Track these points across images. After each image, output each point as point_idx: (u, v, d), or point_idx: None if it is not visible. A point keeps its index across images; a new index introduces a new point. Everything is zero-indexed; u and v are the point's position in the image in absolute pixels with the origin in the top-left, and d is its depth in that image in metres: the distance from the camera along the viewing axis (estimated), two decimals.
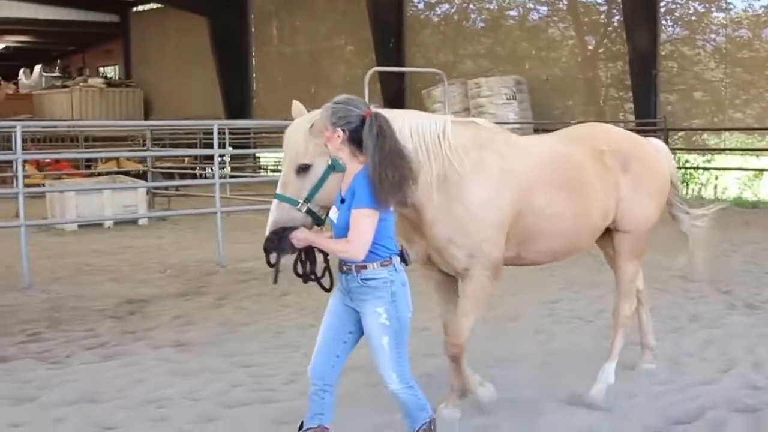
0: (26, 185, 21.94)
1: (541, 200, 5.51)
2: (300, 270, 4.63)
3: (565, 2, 27.90)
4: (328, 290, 4.67)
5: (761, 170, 22.02)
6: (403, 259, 4.58)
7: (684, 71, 23.31)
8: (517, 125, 22.31)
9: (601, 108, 26.63)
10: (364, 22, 30.76)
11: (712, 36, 23.81)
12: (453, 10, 30.53)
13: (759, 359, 6.86)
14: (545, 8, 28.47)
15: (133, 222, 16.46)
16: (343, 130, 4.37)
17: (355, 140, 4.38)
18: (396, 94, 28.39)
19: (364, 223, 4.32)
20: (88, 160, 26.45)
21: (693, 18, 23.84)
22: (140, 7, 40.97)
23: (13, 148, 12.38)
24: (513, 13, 29.68)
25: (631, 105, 24.14)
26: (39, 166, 24.32)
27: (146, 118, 37.97)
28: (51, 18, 39.65)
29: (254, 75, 35.12)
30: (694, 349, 7.19)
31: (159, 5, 38.30)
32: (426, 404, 4.61)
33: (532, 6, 28.73)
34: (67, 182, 19.07)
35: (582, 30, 27.37)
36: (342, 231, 4.43)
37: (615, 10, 25.91)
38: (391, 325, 4.47)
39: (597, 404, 5.84)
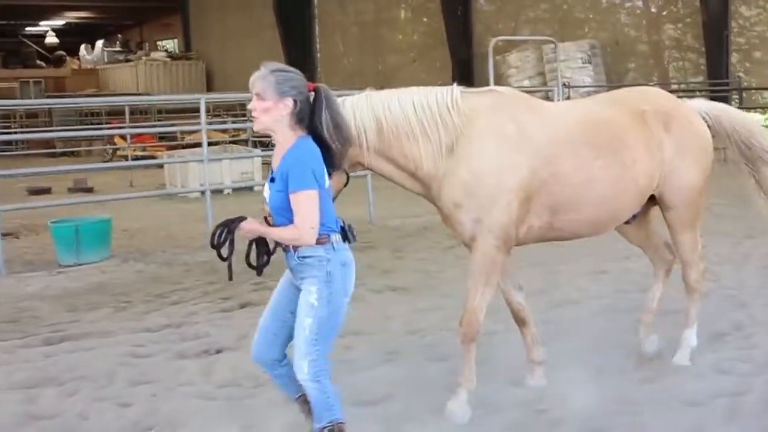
0: (135, 157, 23.11)
1: (568, 165, 5.19)
2: (253, 261, 4.29)
3: None
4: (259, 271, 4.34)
5: None
6: (346, 237, 4.28)
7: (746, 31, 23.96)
8: (592, 88, 23.04)
9: (666, 70, 27.35)
10: None
11: None
12: None
13: None
14: None
15: (249, 188, 17.28)
16: (294, 101, 4.08)
17: (301, 113, 4.11)
18: (466, 60, 29.10)
19: (307, 204, 4.04)
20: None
21: None
22: None
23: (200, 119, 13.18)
24: None
25: (698, 66, 24.95)
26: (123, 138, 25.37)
27: (208, 90, 38.87)
28: None
29: (318, 46, 35.79)
30: None
31: None
32: (334, 405, 4.23)
33: None
34: (182, 153, 19.85)
35: None
36: (276, 212, 4.20)
37: None
38: (318, 306, 4.15)
39: (684, 366, 5.78)
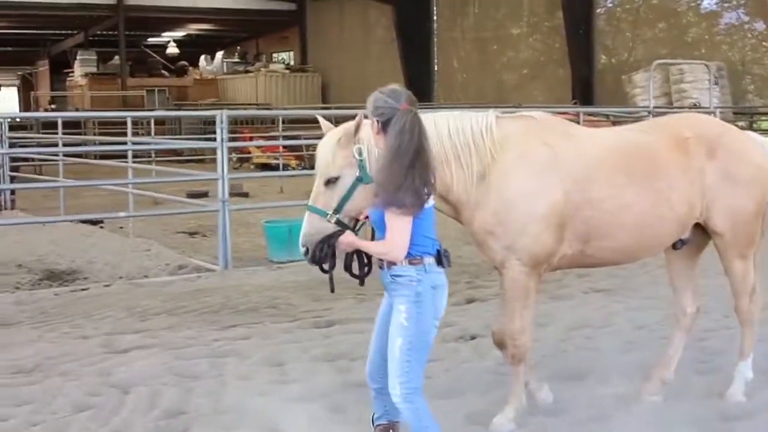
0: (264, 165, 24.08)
1: (602, 192, 5.19)
2: (356, 271, 4.58)
3: None
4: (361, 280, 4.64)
5: None
6: (440, 262, 4.41)
7: None
8: (719, 110, 23.51)
9: None
10: (550, 9, 32.30)
11: None
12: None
13: None
14: None
15: None
16: (377, 121, 4.33)
17: (386, 132, 4.33)
18: (586, 79, 29.76)
19: (398, 222, 4.24)
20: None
21: None
22: None
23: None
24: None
25: None
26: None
27: (323, 102, 40.11)
28: (231, 7, 41.80)
29: (436, 60, 36.78)
30: None
31: None
32: (429, 428, 4.41)
33: None
34: None
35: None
36: (377, 225, 4.46)
37: None
38: (408, 327, 4.32)
39: (737, 401, 5.72)
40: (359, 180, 4.70)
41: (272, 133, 29.18)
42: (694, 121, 5.91)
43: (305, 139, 26.21)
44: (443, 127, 5.01)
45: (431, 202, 4.41)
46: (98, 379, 6.38)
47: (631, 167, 5.33)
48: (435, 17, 36.72)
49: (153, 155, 27.69)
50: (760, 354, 6.10)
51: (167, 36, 48.31)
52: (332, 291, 4.68)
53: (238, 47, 47.02)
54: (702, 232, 5.67)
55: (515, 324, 5.21)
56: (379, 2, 36.59)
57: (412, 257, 4.33)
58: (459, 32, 36.68)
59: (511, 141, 5.11)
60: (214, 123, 36.13)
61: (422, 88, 35.42)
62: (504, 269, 5.15)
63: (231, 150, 28.69)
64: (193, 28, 48.16)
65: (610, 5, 31.81)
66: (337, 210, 4.68)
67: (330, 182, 4.70)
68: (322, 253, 4.52)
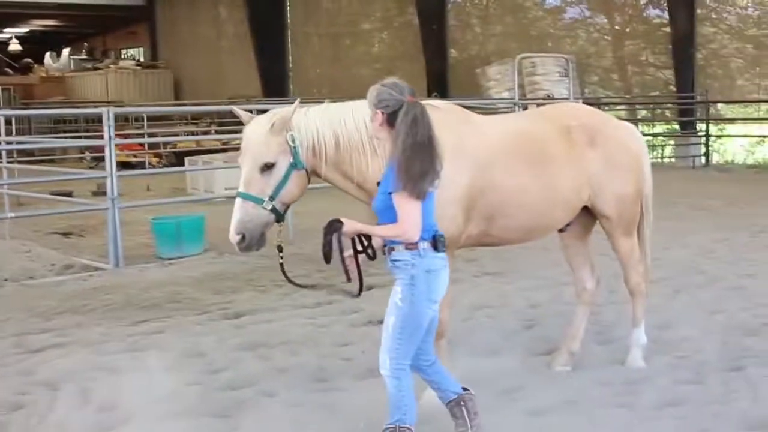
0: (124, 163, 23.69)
1: (503, 176, 5.49)
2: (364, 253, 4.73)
3: None
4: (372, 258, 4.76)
5: None
6: (436, 247, 4.55)
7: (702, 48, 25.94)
8: (570, 101, 24.65)
9: (630, 84, 29.23)
10: (401, 4, 32.97)
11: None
12: None
13: None
14: None
15: None
16: (381, 113, 4.47)
17: (392, 124, 4.46)
18: (440, 73, 30.52)
19: (409, 205, 4.37)
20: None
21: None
22: None
23: None
24: None
25: (657, 80, 27.06)
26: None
27: (176, 98, 39.69)
28: (76, 2, 40.72)
29: (290, 55, 36.90)
30: None
31: None
32: (404, 406, 4.56)
33: None
34: (206, 159, 20.60)
35: (609, 10, 29.85)
36: (380, 214, 4.58)
37: None
38: (402, 307, 4.50)
39: (637, 366, 6.22)
40: (293, 166, 4.92)
41: (128, 131, 28.70)
42: (575, 111, 6.34)
43: (162, 136, 26.38)
44: (360, 118, 5.14)
45: (436, 187, 4.56)
46: (23, 379, 6.39)
47: (526, 153, 5.68)
48: (288, 12, 36.77)
49: (3, 156, 26.77)
50: (649, 324, 6.65)
51: (8, 32, 46.60)
52: (349, 280, 4.80)
53: (85, 43, 45.89)
54: (589, 213, 6.12)
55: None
56: None
57: (408, 243, 4.47)
58: (312, 27, 36.91)
59: None
60: (63, 122, 35.22)
61: (277, 83, 35.60)
62: None
63: (85, 149, 28.29)
64: (37, 24, 46.66)
65: (459, 1, 32.72)
66: (273, 197, 4.88)
67: (265, 169, 4.86)
68: (331, 245, 4.56)
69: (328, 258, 4.59)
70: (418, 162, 4.37)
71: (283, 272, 5.38)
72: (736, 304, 7.99)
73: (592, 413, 5.39)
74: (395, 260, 4.52)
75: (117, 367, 6.58)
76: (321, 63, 36.95)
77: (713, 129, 25.15)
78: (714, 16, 26.80)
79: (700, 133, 24.42)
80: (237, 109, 5.19)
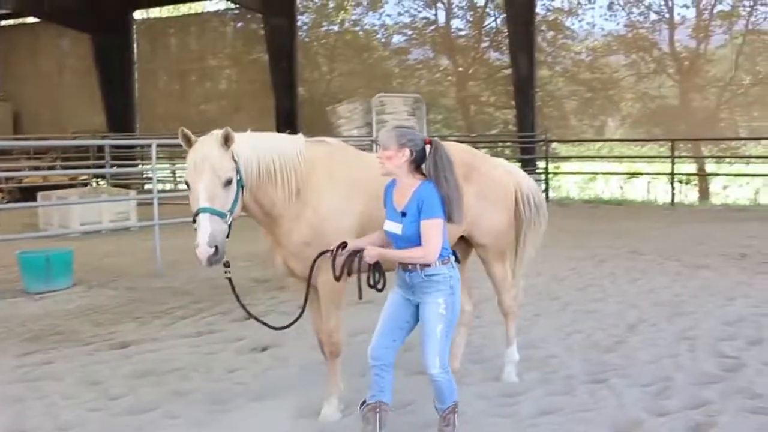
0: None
1: None
2: (372, 282, 5.21)
3: (431, 29, 31.73)
4: (381, 290, 5.29)
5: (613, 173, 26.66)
6: (457, 259, 5.23)
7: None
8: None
9: (472, 122, 30.59)
10: (249, 42, 33.41)
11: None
12: (330, 35, 33.69)
13: None
14: (410, 32, 32.23)
15: (126, 228, 18.21)
16: (411, 151, 5.02)
17: (417, 160, 5.07)
18: (289, 110, 30.99)
19: (436, 230, 4.96)
20: None
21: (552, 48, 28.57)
22: (8, 22, 41.31)
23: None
24: (379, 36, 33.30)
25: (495, 119, 28.62)
26: None
27: (15, 132, 38.55)
28: None
29: (137, 90, 36.56)
30: None
31: (34, 20, 38.87)
32: (454, 390, 5.24)
33: (398, 30, 32.45)
34: (60, 195, 20.30)
35: (452, 53, 31.17)
36: (407, 240, 5.04)
37: (485, 38, 30.06)
38: (446, 315, 5.07)
39: (512, 381, 6.79)
40: (239, 182, 5.27)
41: None
42: (452, 149, 6.73)
43: (5, 171, 25.72)
44: (267, 147, 5.55)
45: None
46: None
47: None
48: (135, 48, 36.49)
49: None
50: (517, 344, 7.24)
51: None
52: (360, 298, 5.19)
53: None
54: (466, 243, 6.62)
55: (331, 323, 5.97)
56: (75, 31, 35.78)
57: (443, 258, 5.05)
58: (159, 63, 36.80)
59: (318, 163, 5.79)
60: None
61: (122, 118, 35.21)
62: (321, 277, 5.65)
63: None
64: None
65: (307, 40, 33.37)
66: (231, 210, 5.20)
67: (227, 184, 5.16)
68: (350, 267, 5.16)
69: (341, 276, 5.21)
70: (455, 192, 5.03)
71: (232, 288, 5.73)
72: (590, 326, 8.74)
73: (479, 422, 5.91)
74: (431, 275, 5.04)
75: (15, 397, 6.70)
76: (167, 98, 36.87)
77: (551, 166, 26.59)
78: (550, 60, 28.56)
79: (539, 171, 25.67)
80: (185, 129, 5.27)
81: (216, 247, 5.07)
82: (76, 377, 7.21)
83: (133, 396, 6.72)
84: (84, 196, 18.97)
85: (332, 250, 5.31)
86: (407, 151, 5.02)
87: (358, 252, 5.16)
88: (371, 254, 5.08)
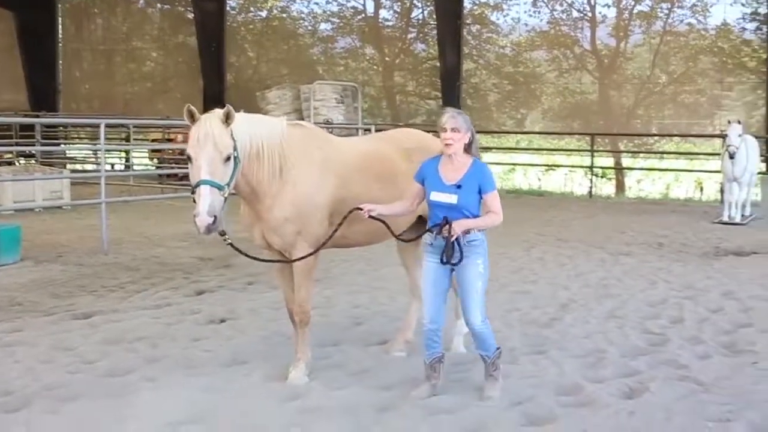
0: None
1: (359, 187, 6.42)
2: (446, 258, 5.86)
3: (359, 18, 32.24)
4: (460, 261, 5.88)
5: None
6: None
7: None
8: (344, 127, 25.98)
9: (397, 111, 31.20)
10: (176, 25, 33.42)
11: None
12: (257, 21, 33.93)
13: None
14: (338, 20, 32.69)
15: (58, 207, 18.26)
16: (471, 133, 5.90)
17: (471, 143, 5.93)
18: (218, 94, 31.11)
19: (498, 199, 5.91)
20: None
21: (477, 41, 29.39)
22: None
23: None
24: (307, 24, 33.67)
25: (424, 108, 29.29)
26: None
27: None
28: None
29: (60, 70, 36.16)
30: None
31: None
32: (493, 343, 6.11)
33: (325, 19, 32.87)
34: None
35: (379, 43, 31.73)
36: (460, 209, 5.80)
37: (412, 29, 30.72)
38: (484, 273, 5.91)
39: (460, 352, 7.34)
40: (236, 159, 5.66)
41: None
42: (413, 135, 7.32)
43: None
44: (258, 128, 5.98)
45: None
46: None
47: (376, 170, 6.66)
48: (60, 27, 36.09)
49: None
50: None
51: None
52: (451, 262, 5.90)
53: None
54: (422, 222, 6.79)
55: (302, 294, 6.41)
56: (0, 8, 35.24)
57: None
58: (84, 43, 36.51)
59: (296, 144, 6.24)
60: None
61: (46, 97, 34.76)
62: (294, 250, 6.21)
63: None
64: None
65: (235, 26, 33.51)
66: (228, 184, 5.60)
67: (227, 159, 5.54)
68: (452, 244, 5.80)
69: (450, 255, 5.82)
70: None
71: (237, 249, 6.06)
72: (526, 304, 9.39)
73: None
74: (471, 240, 5.85)
75: None
76: (92, 78, 36.66)
77: None
78: (475, 53, 29.33)
79: None
80: (191, 106, 5.63)
81: (215, 216, 5.49)
82: (48, 344, 7.55)
83: (108, 361, 7.10)
84: (17, 174, 18.96)
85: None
86: (470, 134, 5.88)
87: (448, 222, 5.80)
88: (462, 225, 5.80)
